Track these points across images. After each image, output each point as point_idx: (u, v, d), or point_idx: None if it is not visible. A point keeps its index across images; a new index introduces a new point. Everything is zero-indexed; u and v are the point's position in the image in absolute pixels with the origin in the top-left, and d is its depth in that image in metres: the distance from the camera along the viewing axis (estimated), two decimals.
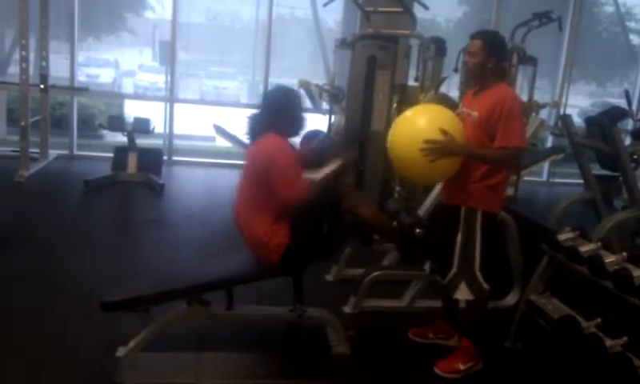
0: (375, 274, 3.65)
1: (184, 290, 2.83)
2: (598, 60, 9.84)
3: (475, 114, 2.81)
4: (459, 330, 3.11)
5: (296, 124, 2.91)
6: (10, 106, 7.00)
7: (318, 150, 3.16)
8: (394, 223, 3.07)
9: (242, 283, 2.94)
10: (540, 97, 6.91)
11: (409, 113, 2.97)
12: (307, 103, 7.03)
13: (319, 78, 6.88)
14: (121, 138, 6.67)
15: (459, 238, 2.87)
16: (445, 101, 3.37)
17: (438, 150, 2.69)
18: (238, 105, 10.11)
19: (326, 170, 2.92)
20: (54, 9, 7.07)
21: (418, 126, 2.82)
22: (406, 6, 4.86)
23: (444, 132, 2.70)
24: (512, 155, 2.76)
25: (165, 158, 7.22)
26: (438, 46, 5.06)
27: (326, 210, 2.81)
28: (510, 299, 3.76)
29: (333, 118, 6.23)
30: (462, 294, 2.91)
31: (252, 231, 2.82)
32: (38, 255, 4.13)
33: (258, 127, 2.87)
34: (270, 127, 2.81)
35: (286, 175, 2.70)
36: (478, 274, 2.87)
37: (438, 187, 3.63)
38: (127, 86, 11.87)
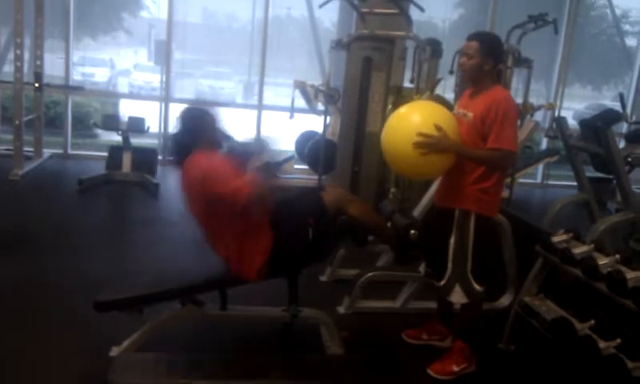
0: (369, 274, 3.65)
1: (178, 290, 2.82)
2: (593, 63, 9.87)
3: (470, 115, 2.82)
4: (454, 331, 3.12)
5: (214, 138, 2.84)
6: (5, 105, 6.98)
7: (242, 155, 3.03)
8: (389, 224, 3.08)
9: (236, 284, 2.93)
10: (535, 99, 6.93)
11: (405, 107, 2.98)
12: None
13: (315, 79, 6.87)
14: (115, 138, 6.66)
15: (452, 240, 2.88)
16: (440, 103, 3.38)
17: (430, 144, 2.68)
18: (233, 105, 10.11)
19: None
20: (49, 8, 7.05)
21: (413, 119, 2.82)
22: (401, 7, 4.87)
23: (438, 128, 2.70)
24: (503, 158, 2.77)
25: (160, 157, 7.20)
26: (434, 48, 5.07)
27: (309, 216, 2.79)
28: (504, 301, 3.76)
29: (328, 118, 6.23)
30: (457, 297, 2.91)
31: (226, 253, 2.78)
32: (32, 254, 4.11)
33: (180, 149, 2.80)
34: (192, 147, 2.75)
35: (225, 176, 2.60)
36: (470, 276, 2.87)
37: (433, 188, 3.64)
38: (122, 86, 11.84)
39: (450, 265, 2.90)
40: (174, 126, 2.93)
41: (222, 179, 2.58)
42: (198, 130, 2.79)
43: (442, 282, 2.95)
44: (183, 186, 2.77)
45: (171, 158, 2.85)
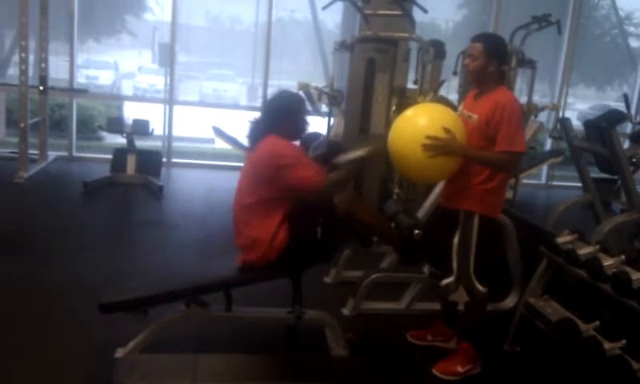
0: (374, 276, 3.65)
1: (182, 291, 2.83)
2: (596, 63, 9.85)
3: (475, 116, 2.82)
4: (459, 332, 3.11)
5: (298, 128, 2.90)
6: (10, 108, 7.00)
7: (319, 155, 3.15)
8: (393, 225, 3.08)
9: (240, 285, 2.94)
10: (539, 100, 6.92)
11: (412, 110, 2.98)
12: (308, 106, 7.02)
13: (318, 81, 6.87)
14: (120, 140, 6.68)
15: (456, 240, 2.88)
16: (444, 104, 3.38)
17: (438, 146, 2.69)
18: (237, 107, 10.15)
19: (355, 154, 2.92)
20: (53, 10, 7.07)
21: (420, 122, 2.82)
22: (405, 9, 4.86)
23: (447, 130, 2.70)
24: (511, 160, 2.77)
25: (164, 159, 7.22)
26: (437, 49, 5.05)
27: (319, 216, 2.81)
28: (509, 302, 3.76)
29: (332, 120, 6.23)
30: (460, 297, 2.91)
31: (253, 232, 2.80)
32: (37, 256, 4.12)
33: (259, 130, 2.86)
34: (272, 130, 2.81)
35: (300, 165, 2.73)
36: (472, 276, 2.87)
37: (437, 189, 3.63)
38: (127, 88, 11.87)
39: (454, 265, 2.90)
40: (261, 106, 3.06)
41: (297, 166, 2.72)
42: (283, 115, 2.84)
43: (445, 282, 2.95)
44: (250, 162, 2.88)
45: (248, 137, 2.94)
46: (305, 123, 2.93)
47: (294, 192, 2.75)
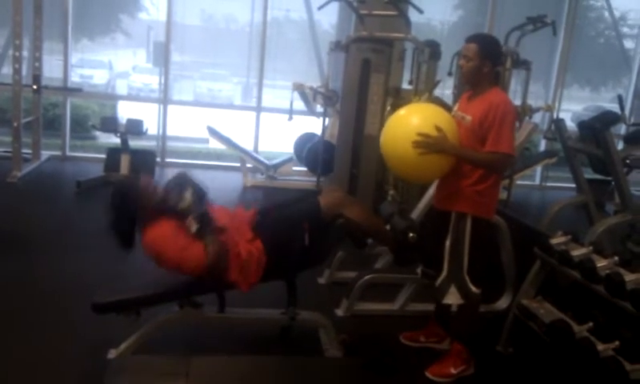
0: (368, 277, 3.65)
1: (176, 292, 2.82)
2: (591, 64, 9.87)
3: (469, 117, 2.82)
4: (452, 334, 3.11)
5: (154, 208, 2.73)
6: (3, 107, 6.97)
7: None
8: (388, 226, 3.07)
9: (233, 287, 2.93)
10: (533, 101, 6.93)
11: (404, 109, 2.98)
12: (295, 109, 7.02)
13: (314, 81, 6.87)
14: (114, 140, 6.66)
15: (448, 242, 2.88)
16: (438, 104, 3.38)
17: (429, 144, 2.69)
18: (231, 107, 10.13)
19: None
20: (47, 9, 7.04)
21: (412, 120, 2.83)
22: (400, 9, 4.86)
23: (438, 129, 2.71)
24: (501, 161, 2.77)
25: (158, 159, 7.20)
26: (433, 50, 5.06)
27: (304, 221, 2.80)
28: (502, 303, 3.76)
29: (327, 120, 6.23)
30: (453, 298, 2.91)
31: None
32: (29, 256, 4.11)
33: (129, 233, 2.77)
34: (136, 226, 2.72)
35: (177, 252, 2.59)
36: (466, 277, 2.87)
37: (431, 190, 3.63)
38: (121, 88, 11.83)
39: (445, 266, 2.90)
40: (107, 213, 2.80)
41: (176, 258, 2.58)
42: (132, 207, 2.72)
43: (437, 284, 2.95)
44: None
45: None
46: (154, 197, 2.74)
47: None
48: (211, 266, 2.58)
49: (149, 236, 2.65)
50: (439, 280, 2.93)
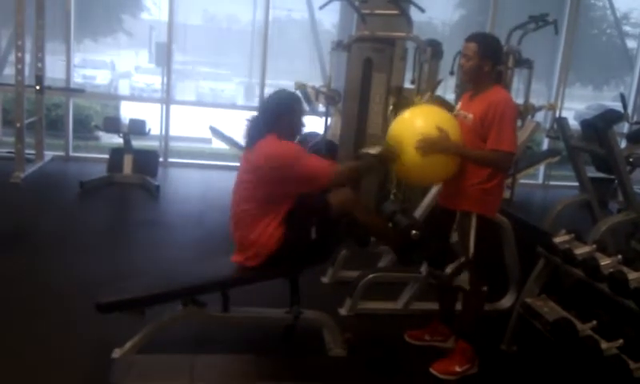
0: (371, 276, 3.65)
1: (179, 291, 2.82)
2: (593, 63, 9.87)
3: (471, 116, 2.83)
4: (457, 332, 3.11)
5: (295, 127, 2.89)
6: (6, 107, 6.98)
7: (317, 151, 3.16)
8: (390, 225, 3.08)
9: (237, 285, 2.93)
10: (536, 100, 6.92)
11: (408, 112, 3.00)
12: (304, 105, 7.01)
13: (316, 80, 6.87)
14: (117, 140, 6.67)
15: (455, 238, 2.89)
16: (441, 103, 3.39)
17: (431, 144, 2.70)
18: (234, 107, 10.13)
19: (370, 150, 2.93)
20: (50, 10, 7.05)
21: (416, 123, 2.85)
22: (402, 8, 4.86)
23: (440, 129, 2.72)
24: (502, 159, 2.78)
25: (160, 159, 7.21)
26: (435, 49, 5.05)
27: (314, 216, 2.81)
28: (506, 302, 3.76)
29: (329, 120, 6.23)
30: (464, 282, 2.91)
31: (250, 232, 2.79)
32: (34, 256, 4.11)
33: (257, 130, 2.85)
34: (270, 130, 2.79)
35: (306, 157, 2.75)
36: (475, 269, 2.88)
37: (435, 189, 3.64)
38: (123, 88, 11.85)
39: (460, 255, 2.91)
40: (258, 106, 3.04)
41: (305, 158, 2.74)
42: (282, 115, 2.82)
43: (447, 271, 2.94)
44: (247, 162, 2.85)
45: (245, 137, 2.91)
46: (302, 122, 2.92)
47: (305, 185, 2.75)
48: (336, 177, 2.80)
49: (279, 141, 2.76)
50: (449, 267, 2.93)
